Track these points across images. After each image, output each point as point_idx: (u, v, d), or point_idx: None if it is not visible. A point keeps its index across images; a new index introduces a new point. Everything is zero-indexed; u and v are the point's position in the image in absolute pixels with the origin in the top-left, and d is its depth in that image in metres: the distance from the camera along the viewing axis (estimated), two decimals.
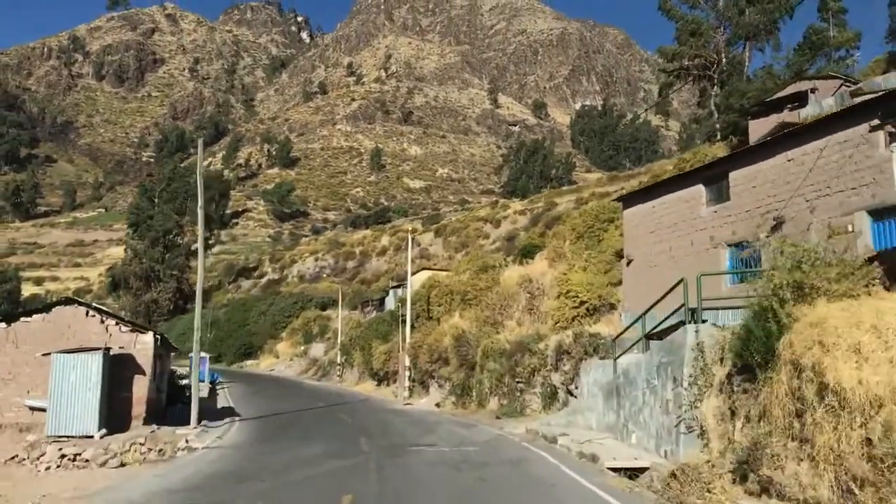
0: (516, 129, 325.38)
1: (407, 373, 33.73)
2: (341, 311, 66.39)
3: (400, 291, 57.93)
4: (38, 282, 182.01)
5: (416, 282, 53.07)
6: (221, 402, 38.58)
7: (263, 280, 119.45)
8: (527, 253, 36.59)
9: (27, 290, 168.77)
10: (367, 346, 44.73)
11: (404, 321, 37.78)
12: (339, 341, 61.63)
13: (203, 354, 63.32)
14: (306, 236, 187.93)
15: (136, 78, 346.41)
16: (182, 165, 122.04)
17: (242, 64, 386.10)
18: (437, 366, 30.03)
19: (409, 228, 38.63)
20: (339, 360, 60.59)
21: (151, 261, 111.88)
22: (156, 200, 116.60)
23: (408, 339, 34.54)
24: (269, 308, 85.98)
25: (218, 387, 54.95)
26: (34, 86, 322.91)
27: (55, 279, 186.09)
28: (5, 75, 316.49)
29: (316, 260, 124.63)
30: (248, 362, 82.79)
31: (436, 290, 37.18)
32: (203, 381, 57.55)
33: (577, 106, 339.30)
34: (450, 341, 28.38)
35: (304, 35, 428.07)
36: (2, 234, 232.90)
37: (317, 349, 72.73)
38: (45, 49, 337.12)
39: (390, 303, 61.18)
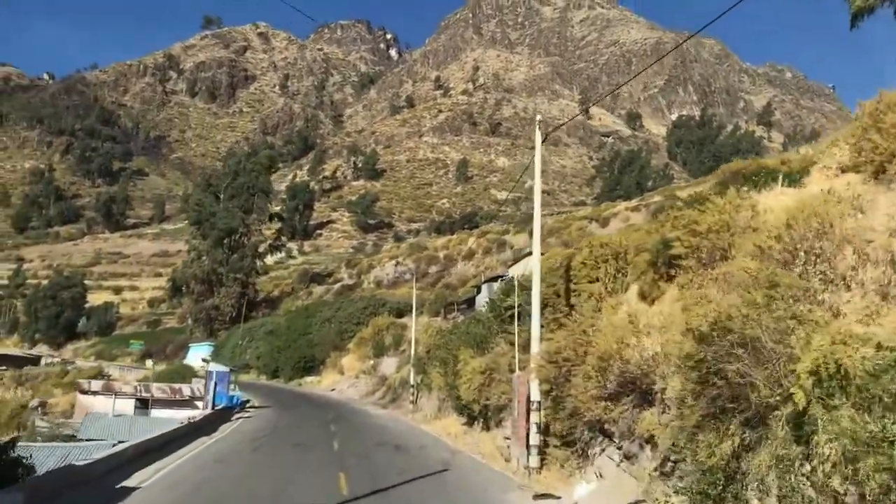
0: (609, 140, 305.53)
1: (535, 418, 16.70)
2: (416, 314, 48.55)
3: (499, 282, 39.89)
4: (118, 290, 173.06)
5: (522, 269, 35.16)
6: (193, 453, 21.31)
7: (337, 286, 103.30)
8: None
9: (104, 297, 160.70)
10: (451, 361, 26.66)
11: (522, 314, 20.20)
12: (412, 353, 44.00)
13: (221, 368, 46.86)
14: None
15: (228, 94, 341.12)
16: (249, 161, 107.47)
17: (332, 81, 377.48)
18: (616, 406, 12.30)
19: (538, 119, 20.51)
20: (411, 381, 42.96)
21: (214, 262, 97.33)
22: (220, 196, 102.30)
23: (535, 346, 17.30)
24: (336, 314, 69.11)
25: (238, 415, 37.96)
26: (130, 102, 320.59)
27: (134, 288, 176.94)
28: (103, 92, 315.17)
29: (396, 265, 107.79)
30: (308, 379, 66.11)
31: (585, 254, 18.83)
32: (218, 405, 41.18)
33: (674, 116, 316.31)
34: (655, 347, 11.12)
35: (393, 52, 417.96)
36: (90, 244, 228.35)
37: (388, 365, 55.30)
38: (142, 67, 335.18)
39: (484, 299, 43.29)
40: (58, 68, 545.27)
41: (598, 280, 17.80)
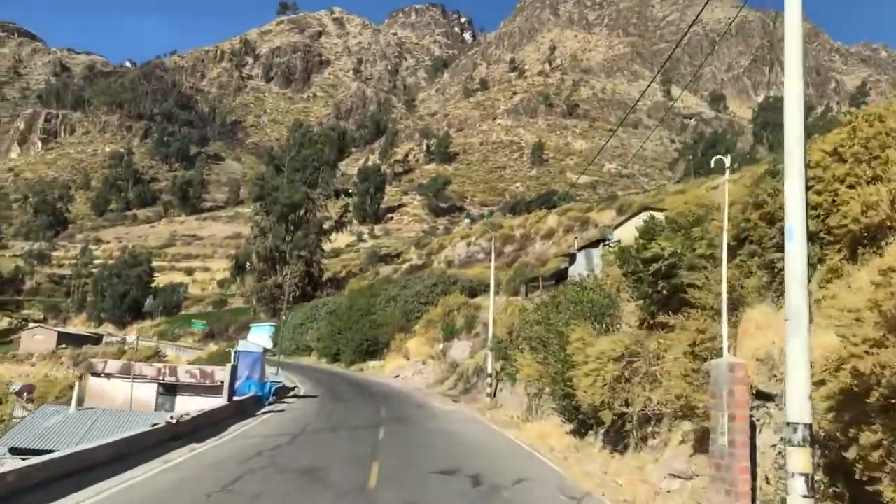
0: (692, 122, 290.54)
1: (797, 463, 7.49)
2: (494, 289, 39.78)
3: (602, 247, 30.97)
4: (189, 272, 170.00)
5: (627, 233, 26.05)
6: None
7: (405, 266, 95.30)
8: None
9: (176, 278, 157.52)
10: (556, 341, 17.57)
11: (696, 266, 11.37)
12: (489, 336, 35.32)
13: (252, 348, 38.51)
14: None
15: (303, 79, 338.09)
16: (313, 130, 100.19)
17: (405, 65, 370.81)
18: None
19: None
20: (489, 369, 34.28)
21: (277, 239, 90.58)
22: (284, 169, 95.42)
23: (800, 307, 8.08)
24: (402, 292, 60.87)
25: (267, 409, 29.90)
26: (207, 87, 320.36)
27: (206, 269, 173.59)
28: (181, 77, 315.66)
29: (468, 244, 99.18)
30: (370, 364, 58.12)
31: (842, 137, 10.02)
32: (245, 394, 32.76)
33: (759, 98, 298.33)
34: None
35: (467, 35, 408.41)
36: (167, 226, 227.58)
37: (460, 349, 46.81)
38: (219, 52, 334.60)
39: (580, 270, 34.16)
40: (140, 56, 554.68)
41: (881, 179, 8.83)
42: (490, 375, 34.09)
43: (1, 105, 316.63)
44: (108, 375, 34.42)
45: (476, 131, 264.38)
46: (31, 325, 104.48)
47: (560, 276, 42.89)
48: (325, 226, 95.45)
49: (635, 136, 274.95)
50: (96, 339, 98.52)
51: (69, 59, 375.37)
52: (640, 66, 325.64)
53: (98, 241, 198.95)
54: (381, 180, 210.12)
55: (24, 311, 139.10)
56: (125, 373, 34.27)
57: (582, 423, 17.36)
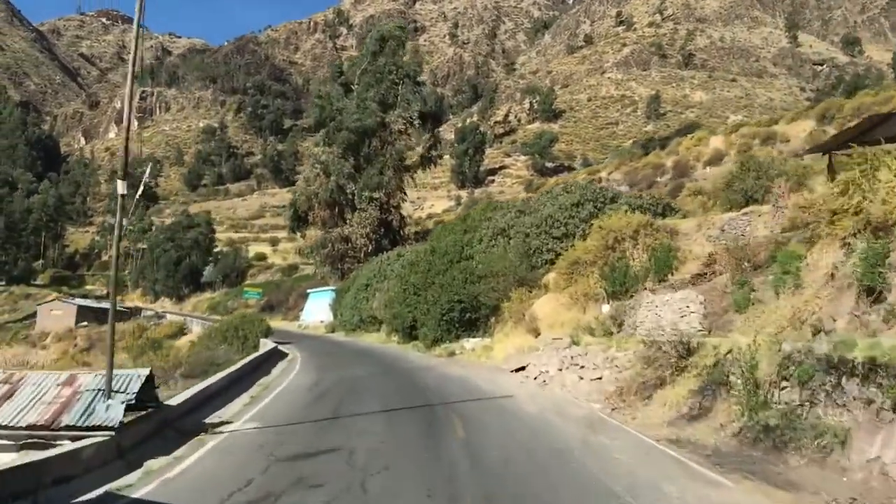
0: (823, 68, 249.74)
1: None
2: None
3: None
4: (275, 242, 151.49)
5: None
6: None
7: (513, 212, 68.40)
8: None
9: (261, 249, 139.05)
10: None
11: None
12: None
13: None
14: None
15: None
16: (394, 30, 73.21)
17: (503, 29, 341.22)
18: None
19: None
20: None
21: (342, 177, 65.17)
22: (354, 87, 69.72)
23: None
24: (519, 220, 33.95)
25: None
26: (300, 59, 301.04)
27: (292, 239, 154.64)
28: (274, 50, 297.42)
29: (600, 181, 71.10)
30: (467, 344, 31.40)
31: None
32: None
33: None
34: None
35: None
36: (258, 199, 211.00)
37: (660, 309, 19.82)
38: (312, 24, 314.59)
39: None
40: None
41: None
42: None
43: (103, 88, 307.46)
44: None
45: (583, 87, 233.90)
46: (50, 298, 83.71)
47: None
48: (407, 161, 69.49)
49: (760, 85, 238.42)
50: (127, 314, 76.81)
51: (171, 44, 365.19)
52: (762, 12, 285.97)
53: (186, 216, 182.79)
54: (481, 139, 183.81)
55: (88, 287, 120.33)
56: None
57: None
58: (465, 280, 33.40)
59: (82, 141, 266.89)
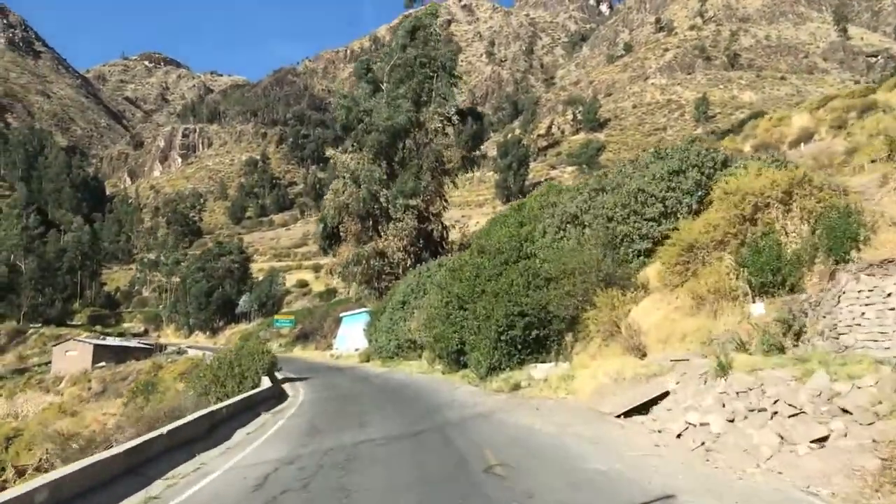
0: (878, 59, 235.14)
1: None
2: None
3: None
4: (317, 268, 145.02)
5: None
6: None
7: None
8: None
9: (302, 276, 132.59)
10: None
11: None
12: None
13: None
14: None
15: None
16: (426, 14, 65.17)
17: (540, 44, 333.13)
18: None
19: None
20: None
21: (373, 184, 56.76)
22: (383, 84, 61.56)
23: None
24: (595, 200, 24.89)
25: None
26: (339, 88, 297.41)
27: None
28: (312, 80, 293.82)
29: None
30: (535, 372, 22.15)
31: None
32: None
33: None
34: None
35: (603, 7, 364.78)
36: (301, 227, 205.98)
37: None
38: (349, 52, 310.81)
39: None
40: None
41: None
42: None
43: (146, 128, 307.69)
44: None
45: (626, 94, 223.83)
46: (66, 337, 76.62)
47: None
48: (447, 164, 60.76)
49: (811, 81, 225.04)
50: (151, 350, 69.09)
51: (212, 82, 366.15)
52: (807, 8, 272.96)
53: None
54: (525, 153, 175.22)
55: (125, 325, 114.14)
56: None
57: None
58: (526, 285, 24.20)
59: (128, 181, 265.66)
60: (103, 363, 65.23)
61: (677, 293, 18.74)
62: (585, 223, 24.85)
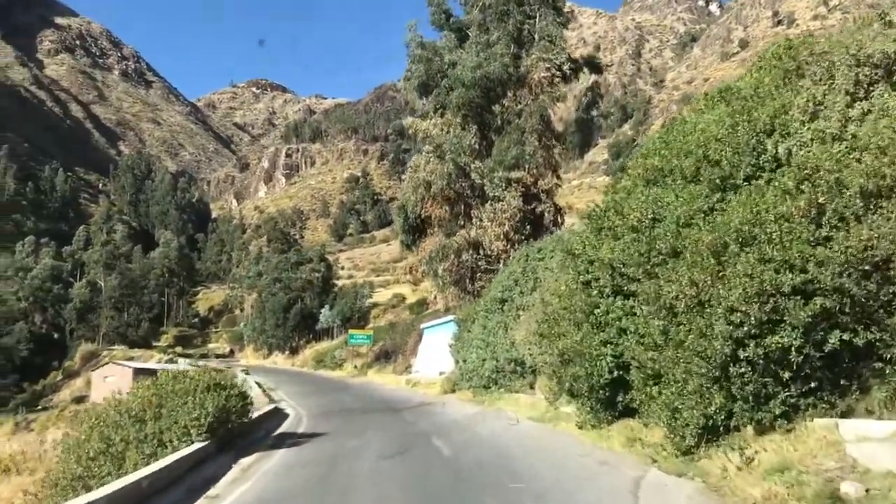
0: None
1: None
2: None
3: None
4: (417, 282, 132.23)
5: None
6: None
7: None
8: None
9: (399, 290, 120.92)
10: None
11: None
12: None
13: None
14: None
15: None
16: None
17: (647, 48, 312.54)
18: None
19: None
20: None
21: (461, 153, 42.34)
22: (470, 34, 47.16)
23: None
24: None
25: None
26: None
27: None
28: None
29: None
30: (858, 442, 7.49)
31: None
32: None
33: None
34: None
35: (713, 7, 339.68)
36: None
37: None
38: None
39: None
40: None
41: None
42: None
43: (252, 151, 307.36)
44: None
45: None
46: (105, 360, 65.80)
47: None
48: (553, 122, 45.81)
49: None
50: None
51: (317, 105, 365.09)
52: None
53: None
54: (637, 154, 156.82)
55: (210, 345, 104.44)
56: None
57: None
58: (795, 234, 8.76)
59: (234, 203, 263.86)
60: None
61: None
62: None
